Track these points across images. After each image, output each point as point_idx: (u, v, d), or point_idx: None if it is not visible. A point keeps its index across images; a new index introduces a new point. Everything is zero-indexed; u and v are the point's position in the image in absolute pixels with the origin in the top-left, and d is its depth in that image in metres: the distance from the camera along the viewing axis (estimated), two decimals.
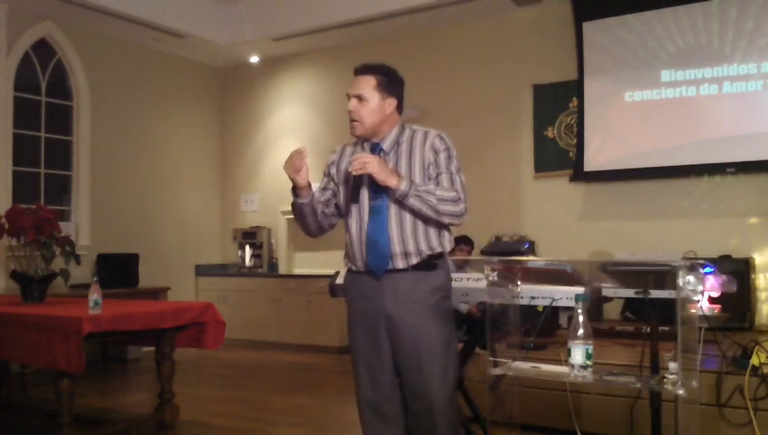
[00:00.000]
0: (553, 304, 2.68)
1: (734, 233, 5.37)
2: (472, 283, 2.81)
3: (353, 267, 2.48)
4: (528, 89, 6.33)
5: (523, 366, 2.65)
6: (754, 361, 3.32)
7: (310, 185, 2.45)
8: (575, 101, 6.06)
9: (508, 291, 2.73)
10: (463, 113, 6.53)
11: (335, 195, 2.56)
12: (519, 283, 2.75)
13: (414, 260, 2.38)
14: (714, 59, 5.45)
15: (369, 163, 2.25)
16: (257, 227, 7.75)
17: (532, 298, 2.75)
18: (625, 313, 5.20)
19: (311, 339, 6.84)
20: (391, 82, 2.45)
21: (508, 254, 5.44)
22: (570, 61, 6.06)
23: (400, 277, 2.38)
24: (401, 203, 2.33)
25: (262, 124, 8.02)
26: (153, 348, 4.17)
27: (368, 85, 2.41)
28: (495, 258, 2.87)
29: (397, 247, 2.37)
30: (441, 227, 2.44)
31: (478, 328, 3.22)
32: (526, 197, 6.35)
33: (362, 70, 2.46)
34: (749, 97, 5.33)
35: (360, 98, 2.41)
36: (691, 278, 2.35)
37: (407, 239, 2.38)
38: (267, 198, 7.86)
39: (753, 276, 5.14)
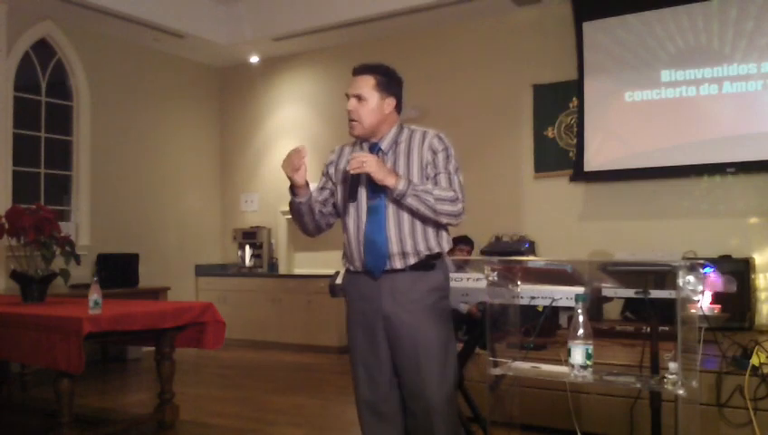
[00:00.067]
0: (553, 304, 2.67)
1: (734, 233, 5.36)
2: (472, 283, 2.81)
3: (351, 267, 2.48)
4: (528, 89, 6.33)
5: (523, 366, 2.65)
6: (754, 361, 3.32)
7: (308, 184, 2.46)
8: (575, 101, 6.06)
9: (508, 291, 2.72)
10: (463, 113, 6.52)
11: (333, 194, 2.56)
12: (519, 283, 2.75)
13: (412, 260, 2.38)
14: (714, 59, 5.44)
15: (367, 162, 2.25)
16: (257, 227, 7.75)
17: (532, 298, 2.75)
18: (625, 313, 5.20)
19: (310, 339, 6.84)
20: (390, 82, 2.45)
21: (508, 254, 5.43)
22: (570, 61, 6.06)
23: (398, 277, 2.38)
24: (399, 203, 2.33)
25: (262, 124, 8.02)
26: (153, 348, 4.17)
27: (367, 85, 2.41)
28: (495, 258, 2.87)
29: (394, 247, 2.37)
30: (439, 227, 2.44)
31: (478, 328, 3.22)
32: (526, 197, 6.34)
33: (361, 70, 2.46)
34: (749, 97, 5.32)
35: (359, 98, 2.41)
36: (691, 278, 2.35)
37: (404, 239, 2.37)
38: (267, 198, 7.86)
39: (753, 276, 5.14)
